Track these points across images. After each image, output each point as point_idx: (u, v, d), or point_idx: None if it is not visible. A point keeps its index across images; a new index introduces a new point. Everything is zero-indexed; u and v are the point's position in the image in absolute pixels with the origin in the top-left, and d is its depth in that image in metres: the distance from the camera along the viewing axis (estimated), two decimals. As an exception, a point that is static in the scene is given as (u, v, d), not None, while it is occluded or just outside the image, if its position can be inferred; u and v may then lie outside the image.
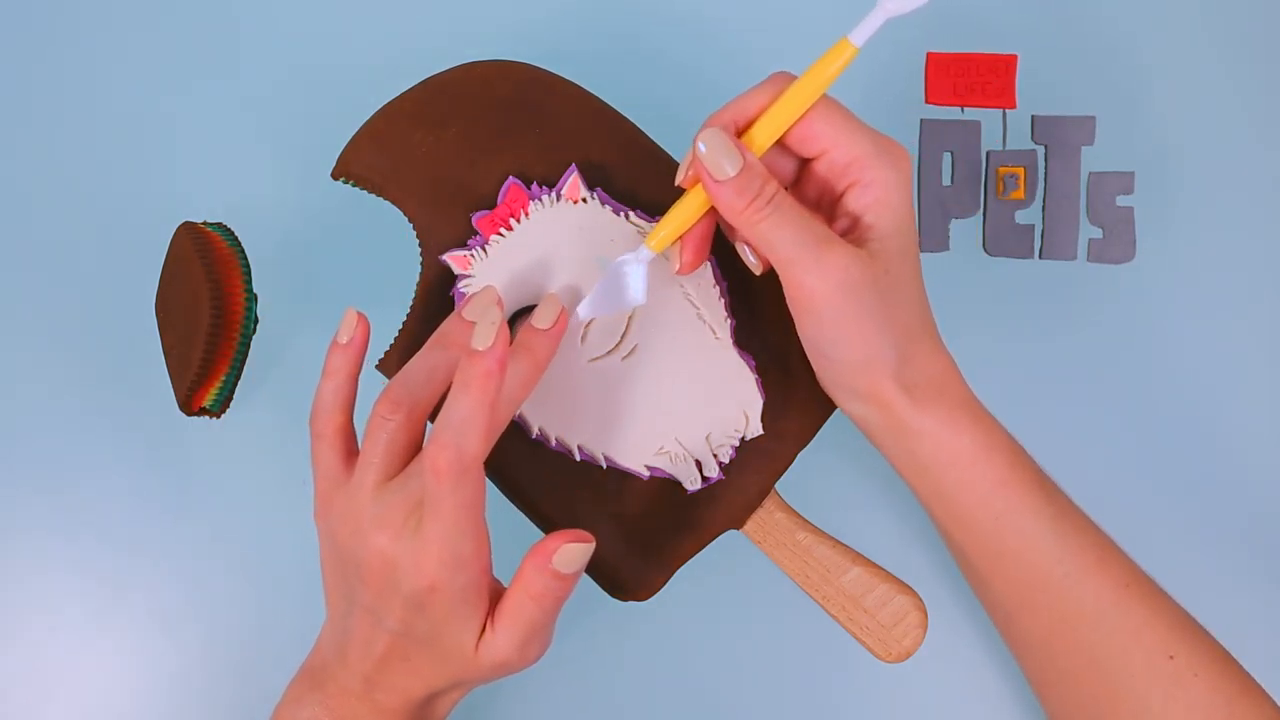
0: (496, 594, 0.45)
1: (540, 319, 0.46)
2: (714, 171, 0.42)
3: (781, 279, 0.44)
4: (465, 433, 0.41)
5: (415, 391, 0.45)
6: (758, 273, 0.46)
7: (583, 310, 0.47)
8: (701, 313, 0.50)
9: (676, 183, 0.45)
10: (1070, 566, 0.46)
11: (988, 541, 0.47)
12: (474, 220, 0.50)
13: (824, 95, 0.43)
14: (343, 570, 0.45)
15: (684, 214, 0.45)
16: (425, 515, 0.42)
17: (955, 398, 0.46)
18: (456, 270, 0.50)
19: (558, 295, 0.47)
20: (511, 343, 0.44)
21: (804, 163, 0.46)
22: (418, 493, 0.43)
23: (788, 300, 0.45)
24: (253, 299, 0.54)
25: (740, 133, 0.44)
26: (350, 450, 0.46)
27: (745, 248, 0.46)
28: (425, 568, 0.42)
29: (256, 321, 0.55)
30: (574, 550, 0.44)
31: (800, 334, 0.46)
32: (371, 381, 0.51)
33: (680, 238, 0.46)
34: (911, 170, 0.45)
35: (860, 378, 0.45)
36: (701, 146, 0.43)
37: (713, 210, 0.45)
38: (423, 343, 0.50)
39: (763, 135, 0.44)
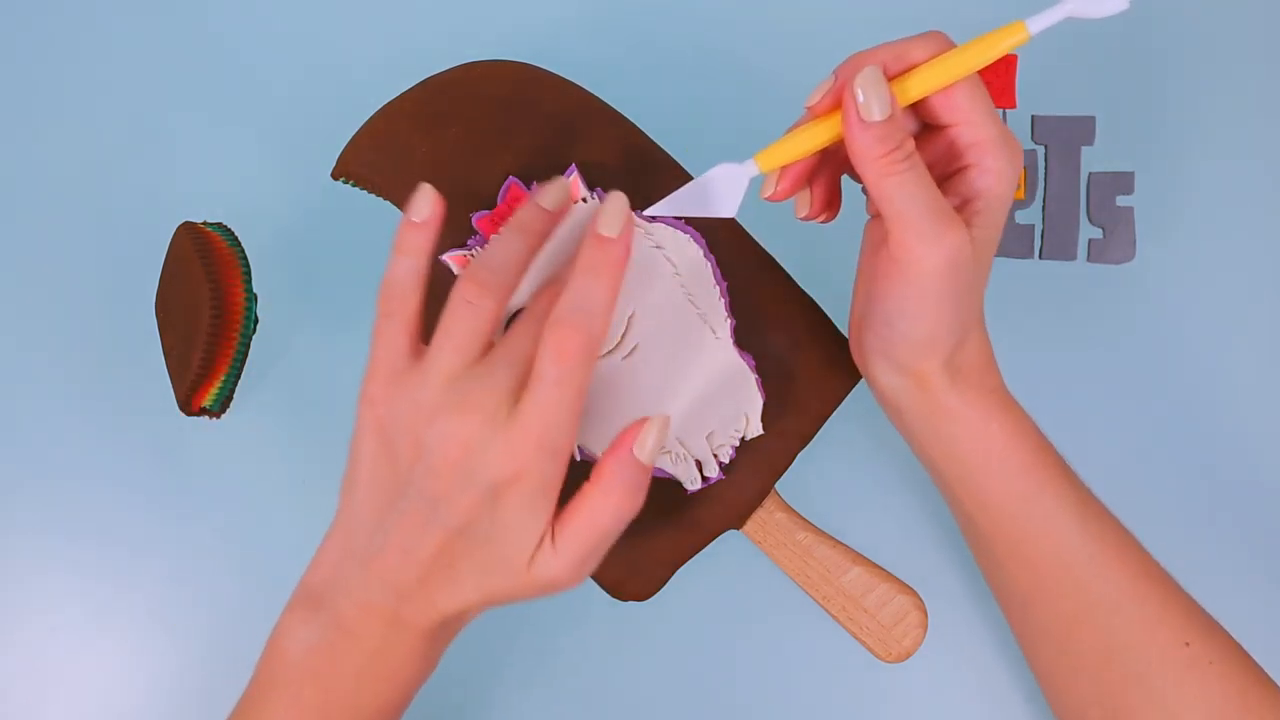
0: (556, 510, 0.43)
1: (607, 225, 0.42)
2: (862, 110, 0.41)
3: (892, 240, 0.42)
4: (595, 317, 0.40)
5: (500, 277, 0.42)
6: (800, 216, 0.45)
7: (663, 204, 0.44)
8: (701, 313, 0.50)
9: (806, 104, 0.43)
10: (1091, 552, 0.46)
11: (1011, 525, 0.47)
12: (474, 220, 0.50)
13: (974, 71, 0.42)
14: (395, 461, 0.42)
15: (805, 142, 0.43)
16: (530, 398, 0.40)
17: (991, 384, 0.47)
18: (456, 270, 0.50)
19: (622, 195, 0.43)
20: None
21: (923, 128, 0.45)
22: (507, 381, 0.41)
23: (881, 261, 0.43)
24: (253, 299, 0.55)
25: (888, 77, 0.42)
26: (418, 336, 0.44)
27: (808, 193, 0.45)
28: (520, 453, 0.40)
29: (256, 321, 0.55)
30: (653, 429, 0.42)
31: (873, 298, 0.45)
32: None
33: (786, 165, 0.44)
34: (1022, 168, 0.44)
35: (914, 353, 0.45)
36: (858, 83, 0.41)
37: (823, 149, 0.43)
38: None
39: (914, 89, 0.42)
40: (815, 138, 0.43)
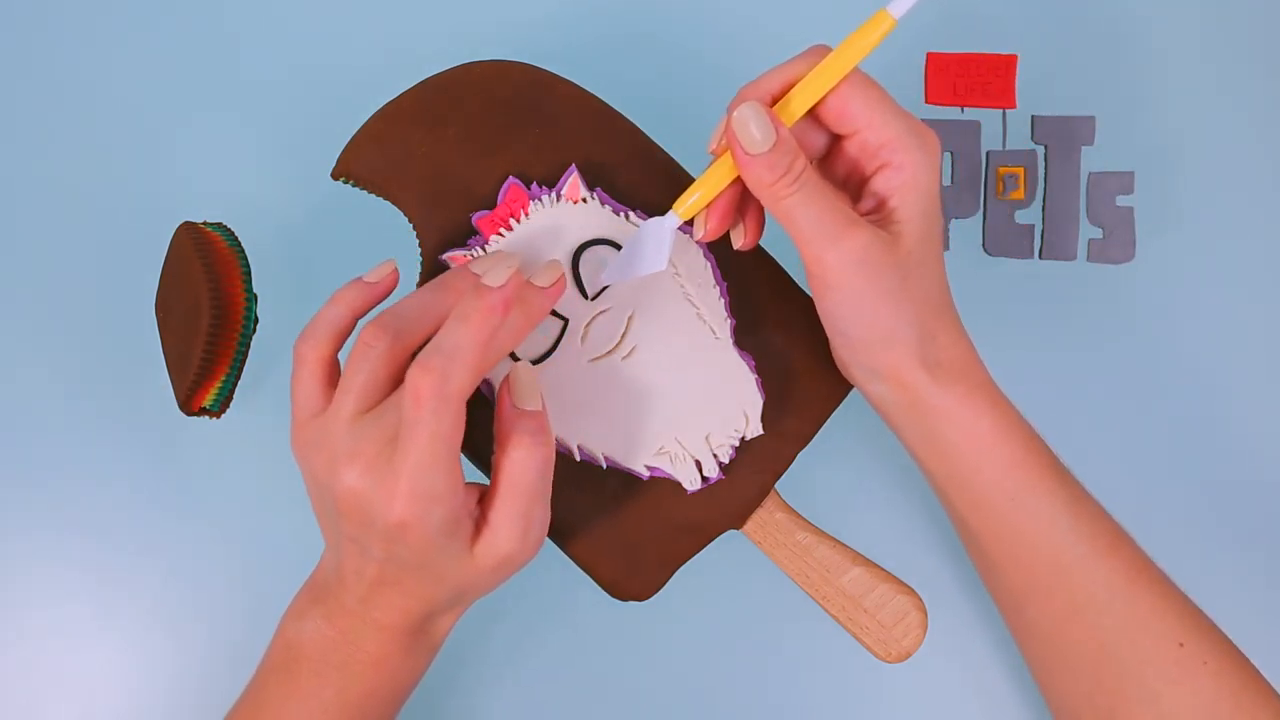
0: (475, 510, 0.44)
1: (541, 278, 0.45)
2: (746, 145, 0.42)
3: (802, 255, 0.44)
4: (454, 360, 0.40)
5: (405, 324, 0.43)
6: (736, 246, 0.47)
7: (606, 275, 0.47)
8: (701, 313, 0.50)
9: (708, 149, 0.45)
10: (1083, 550, 0.46)
11: (1002, 523, 0.47)
12: (474, 220, 0.50)
13: (861, 74, 0.44)
14: (322, 502, 0.45)
15: (712, 182, 0.45)
16: (397, 446, 0.41)
17: (975, 380, 0.46)
18: (456, 270, 0.50)
19: (559, 261, 0.47)
20: None
21: (834, 139, 0.46)
22: (393, 426, 0.42)
23: (808, 277, 0.45)
24: (253, 299, 0.54)
25: (774, 102, 0.44)
26: (330, 381, 0.45)
27: (741, 226, 0.47)
28: (394, 504, 0.41)
29: (256, 321, 0.55)
30: (517, 375, 0.44)
31: (820, 312, 0.46)
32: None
33: (706, 206, 0.46)
34: (941, 156, 0.45)
35: (880, 356, 0.45)
36: (736, 118, 0.42)
37: (740, 180, 0.45)
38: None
39: (795, 105, 0.44)
40: (719, 176, 0.45)
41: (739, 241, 0.47)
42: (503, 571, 0.44)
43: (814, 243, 0.43)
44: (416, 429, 0.40)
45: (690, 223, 0.47)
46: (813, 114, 0.44)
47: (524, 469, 0.43)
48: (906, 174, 0.44)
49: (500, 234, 0.50)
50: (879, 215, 0.45)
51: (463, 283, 0.45)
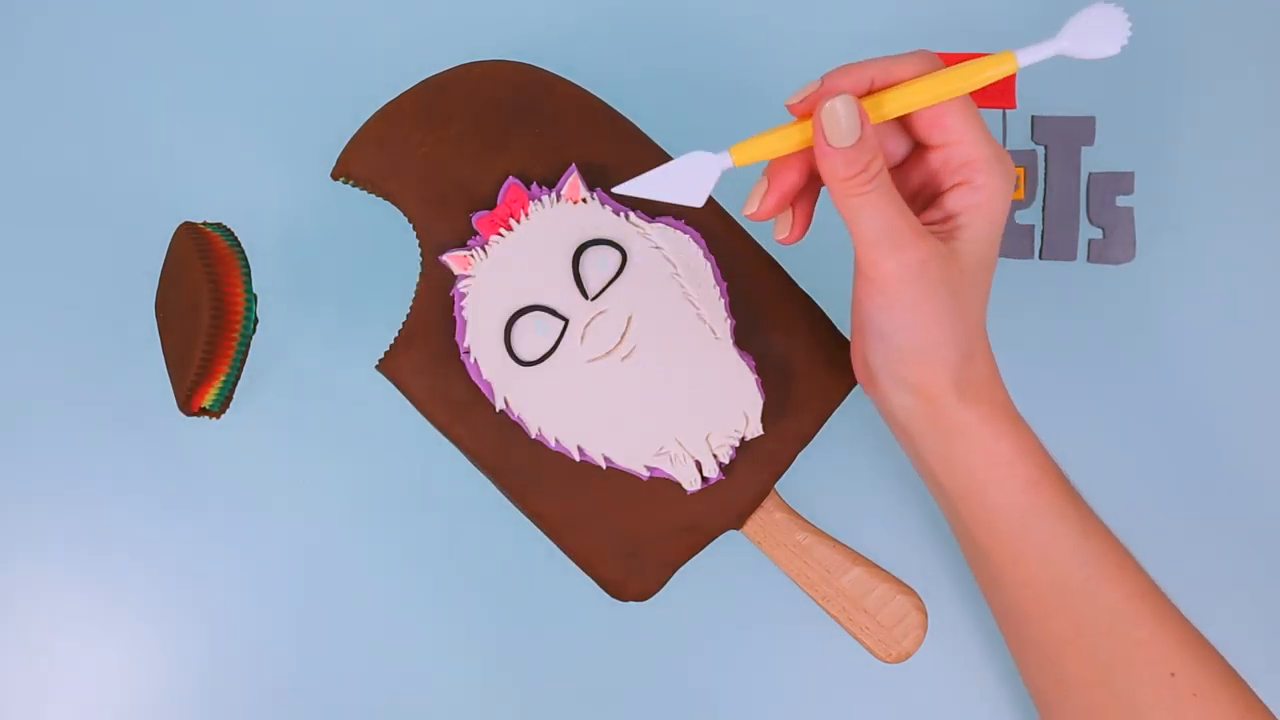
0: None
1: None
2: (831, 135, 0.41)
3: (859, 256, 0.43)
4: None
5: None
6: (778, 238, 0.46)
7: (632, 183, 0.43)
8: (701, 313, 0.50)
9: (786, 103, 0.43)
10: (1089, 574, 0.46)
11: (1011, 543, 0.47)
12: (474, 220, 0.50)
13: (964, 95, 0.43)
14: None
15: (780, 141, 0.43)
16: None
17: (998, 400, 0.46)
18: (456, 270, 0.50)
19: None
20: None
21: (915, 148, 0.46)
22: None
23: (859, 279, 0.44)
24: (253, 299, 0.54)
25: (870, 93, 0.43)
26: None
27: (785, 213, 0.45)
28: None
29: (256, 321, 0.55)
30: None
31: (864, 314, 0.45)
32: (371, 381, 0.51)
33: (770, 178, 0.44)
34: (1015, 185, 0.45)
35: (917, 367, 0.45)
36: (827, 109, 0.41)
37: (805, 154, 0.44)
38: (423, 343, 0.50)
39: (891, 106, 0.43)
40: (791, 139, 0.43)
41: (783, 234, 0.46)
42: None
43: (876, 247, 0.42)
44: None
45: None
46: (903, 120, 0.44)
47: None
48: (983, 196, 0.44)
49: (500, 234, 0.50)
50: (946, 228, 0.45)
51: None
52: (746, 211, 0.45)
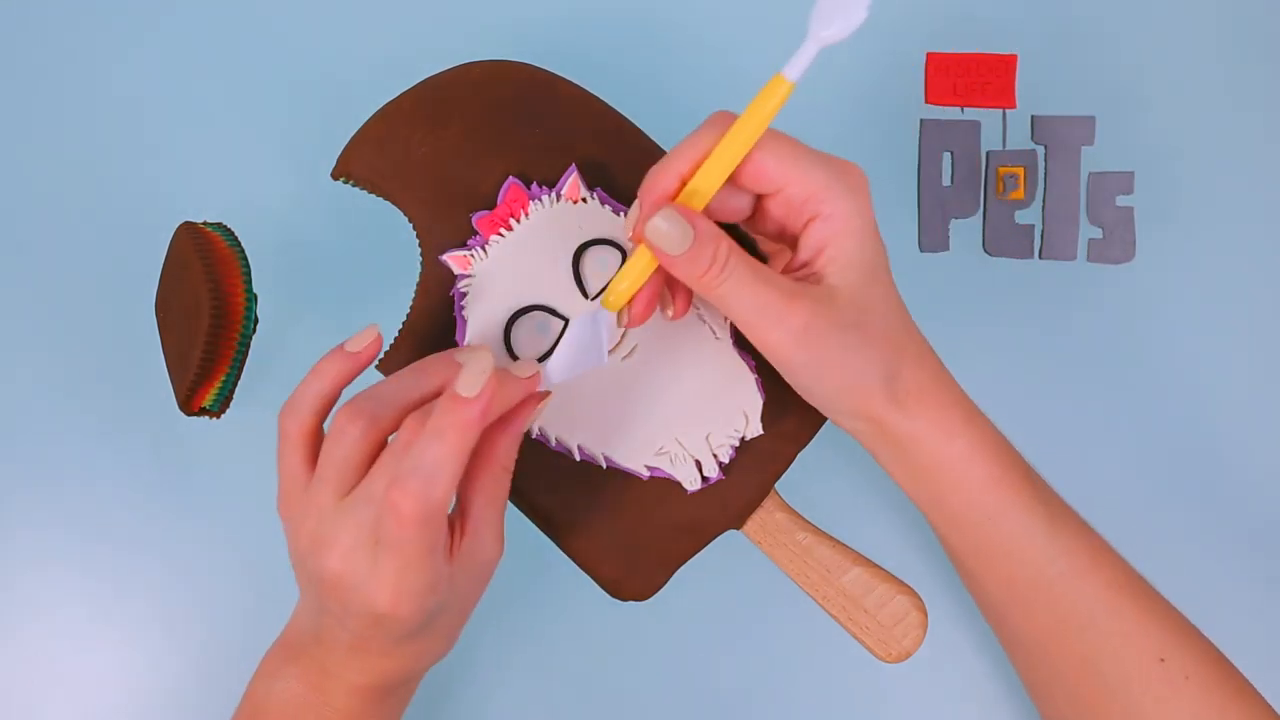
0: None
1: (519, 369, 0.45)
2: (667, 249, 0.42)
3: (748, 337, 0.44)
4: (434, 480, 0.40)
5: (380, 406, 0.43)
6: (666, 319, 0.47)
7: (551, 375, 0.45)
8: (701, 313, 0.50)
9: (626, 237, 0.45)
10: (1063, 566, 0.46)
11: (980, 541, 0.47)
12: (474, 220, 0.50)
13: (772, 132, 0.42)
14: (305, 572, 0.44)
15: (636, 271, 0.44)
16: (382, 553, 0.41)
17: (946, 400, 0.46)
18: (456, 270, 0.50)
19: (532, 360, 0.46)
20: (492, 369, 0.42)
21: (759, 197, 0.45)
22: (369, 519, 0.41)
23: (759, 350, 0.44)
24: (253, 299, 0.54)
25: (686, 179, 0.43)
26: (314, 454, 0.45)
27: (670, 304, 0.47)
28: (380, 597, 0.41)
29: (256, 321, 0.55)
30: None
31: (782, 374, 0.45)
32: (372, 380, 0.51)
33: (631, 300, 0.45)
34: (869, 190, 0.44)
35: (847, 400, 0.45)
36: (650, 229, 0.42)
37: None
38: (423, 343, 0.50)
39: (708, 182, 0.42)
40: (643, 265, 0.44)
41: (668, 316, 0.47)
42: (486, 576, 0.45)
43: (756, 326, 0.43)
44: (403, 545, 0.40)
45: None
46: (732, 180, 0.43)
47: (503, 475, 0.44)
48: (838, 222, 0.43)
49: (500, 234, 0.50)
50: (819, 264, 0.44)
51: (440, 370, 0.44)
52: (623, 324, 0.46)
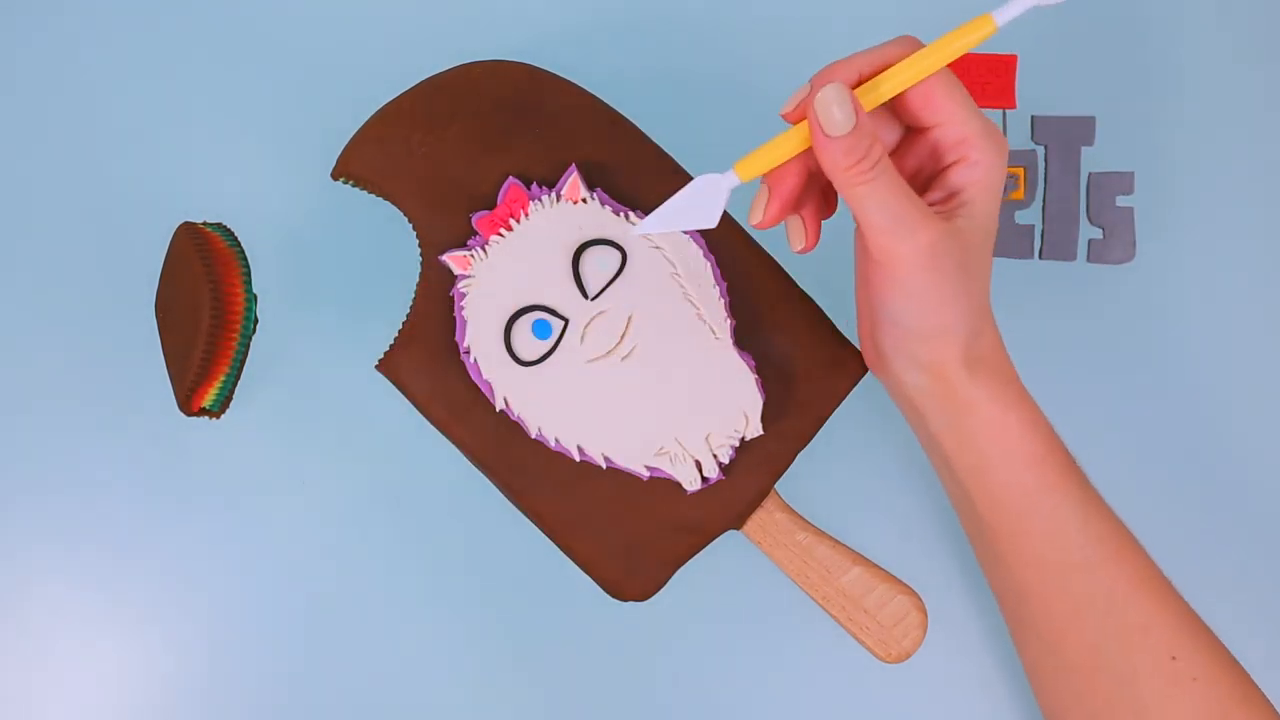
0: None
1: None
2: (826, 126, 0.41)
3: (869, 245, 0.43)
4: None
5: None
6: (795, 249, 0.46)
7: (649, 223, 0.44)
8: (701, 313, 0.50)
9: (780, 113, 0.44)
10: (1090, 553, 0.46)
11: (1016, 520, 0.47)
12: (474, 220, 0.50)
13: (949, 70, 0.43)
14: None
15: (780, 149, 0.43)
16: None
17: (1007, 375, 0.47)
18: (456, 270, 0.50)
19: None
20: None
21: (907, 134, 0.46)
22: None
23: (870, 266, 0.44)
24: (253, 299, 0.55)
25: (864, 80, 0.43)
26: None
27: (796, 223, 0.46)
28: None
29: (256, 321, 0.55)
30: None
31: (874, 301, 0.45)
32: (371, 381, 0.51)
33: (770, 185, 0.44)
34: (1008, 156, 0.45)
35: (927, 346, 0.45)
36: (819, 99, 0.41)
37: (805, 157, 0.44)
38: (422, 343, 0.50)
39: (883, 90, 0.43)
40: (791, 144, 0.43)
41: (798, 244, 0.46)
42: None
43: (887, 233, 0.42)
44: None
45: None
46: (891, 106, 0.44)
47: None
48: (981, 170, 0.44)
49: (500, 234, 0.50)
50: (946, 208, 0.45)
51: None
52: (752, 221, 0.45)
